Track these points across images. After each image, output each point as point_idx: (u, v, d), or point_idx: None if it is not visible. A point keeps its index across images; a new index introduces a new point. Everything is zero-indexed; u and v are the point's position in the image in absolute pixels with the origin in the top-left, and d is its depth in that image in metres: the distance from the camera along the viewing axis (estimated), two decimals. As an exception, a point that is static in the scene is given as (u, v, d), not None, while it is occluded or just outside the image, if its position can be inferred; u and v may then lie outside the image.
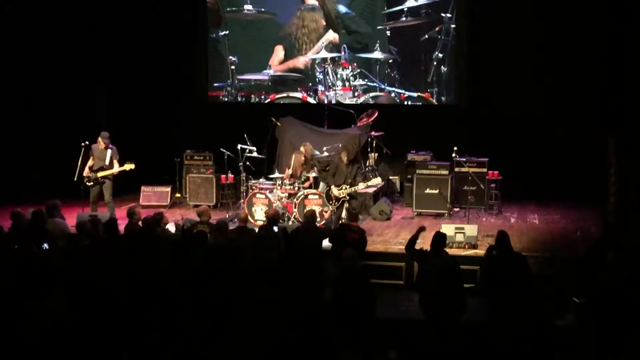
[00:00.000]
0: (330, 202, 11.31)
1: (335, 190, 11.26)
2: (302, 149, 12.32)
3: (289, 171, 12.46)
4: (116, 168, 11.87)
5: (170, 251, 8.63)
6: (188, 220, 10.60)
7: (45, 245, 8.43)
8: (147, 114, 15.53)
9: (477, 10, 14.05)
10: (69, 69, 14.55)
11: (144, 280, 7.68)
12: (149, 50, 15.34)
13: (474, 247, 10.36)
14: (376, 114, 13.52)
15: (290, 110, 13.93)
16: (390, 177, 14.02)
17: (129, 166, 11.92)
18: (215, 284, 7.55)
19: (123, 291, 7.52)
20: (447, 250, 10.04)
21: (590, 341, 7.26)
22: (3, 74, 13.97)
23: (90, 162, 11.95)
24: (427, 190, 12.80)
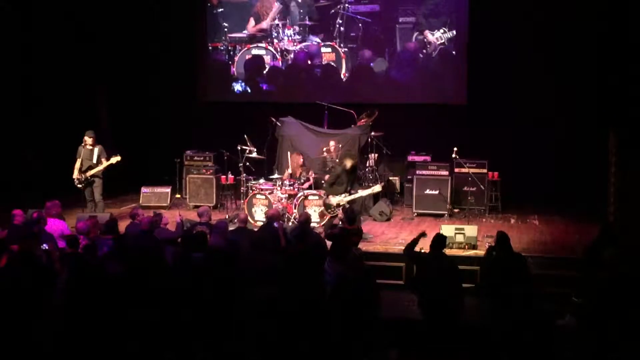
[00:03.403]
0: (330, 210, 11.04)
1: (333, 199, 10.99)
2: (293, 157, 12.42)
3: (288, 172, 12.48)
4: (105, 163, 11.90)
5: (169, 251, 8.64)
6: (188, 221, 10.60)
7: (45, 246, 8.42)
8: (147, 114, 15.54)
9: (478, 10, 14.09)
10: (69, 68, 14.54)
11: (144, 280, 7.67)
12: (148, 48, 15.37)
13: (474, 247, 10.36)
14: (376, 114, 13.53)
15: (290, 110, 13.95)
16: (390, 178, 14.02)
17: (115, 159, 11.95)
18: (214, 284, 7.55)
19: (122, 291, 7.51)
20: (447, 250, 10.06)
21: (590, 341, 7.25)
22: (3, 74, 13.97)
23: (77, 164, 11.96)
24: (427, 191, 12.81)
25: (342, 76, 15.11)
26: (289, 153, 12.84)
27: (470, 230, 10.57)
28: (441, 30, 14.48)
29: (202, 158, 14.05)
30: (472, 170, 12.71)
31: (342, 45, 14.99)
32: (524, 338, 7.09)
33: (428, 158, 13.49)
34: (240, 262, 8.32)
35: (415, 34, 14.69)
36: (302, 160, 12.58)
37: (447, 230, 10.38)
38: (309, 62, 15.22)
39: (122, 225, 10.12)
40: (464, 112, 14.16)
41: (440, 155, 13.18)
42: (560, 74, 13.60)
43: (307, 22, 15.11)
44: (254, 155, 12.83)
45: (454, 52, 14.49)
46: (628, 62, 11.13)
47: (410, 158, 13.72)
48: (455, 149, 12.17)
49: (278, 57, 15.33)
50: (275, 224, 9.54)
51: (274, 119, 13.45)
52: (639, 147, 10.75)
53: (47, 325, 7.21)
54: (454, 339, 7.66)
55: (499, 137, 13.68)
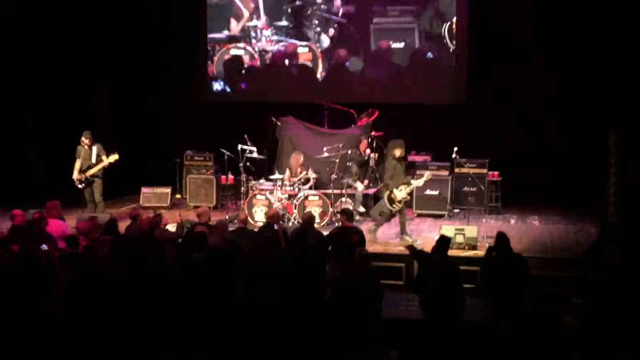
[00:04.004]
0: (393, 205, 10.87)
1: (397, 193, 10.83)
2: (294, 156, 12.46)
3: (288, 172, 12.47)
4: (104, 162, 11.92)
5: (169, 251, 8.63)
6: (188, 221, 10.59)
7: (44, 246, 8.41)
8: (147, 114, 15.52)
9: (477, 9, 14.08)
10: (69, 68, 14.53)
11: (144, 281, 7.67)
12: (148, 48, 15.36)
13: (474, 248, 10.35)
14: (376, 114, 13.53)
15: (290, 110, 13.95)
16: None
17: (113, 157, 11.97)
18: (214, 285, 7.55)
19: (122, 291, 7.51)
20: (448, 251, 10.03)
21: (590, 342, 7.25)
22: (3, 74, 13.96)
23: (77, 165, 11.99)
24: (427, 191, 12.80)
25: (318, 75, 15.38)
26: (289, 153, 12.85)
27: (470, 230, 10.56)
28: (449, 22, 14.62)
29: (202, 158, 14.03)
30: (472, 170, 12.71)
31: (318, 45, 15.37)
32: (523, 338, 7.10)
33: (428, 158, 13.48)
34: (240, 263, 8.32)
35: (446, 25, 14.58)
36: (302, 159, 12.56)
37: (447, 230, 10.37)
38: (286, 62, 15.58)
39: (122, 226, 10.11)
40: (464, 112, 14.15)
41: (440, 155, 13.17)
42: (560, 74, 13.59)
43: (284, 23, 15.48)
44: (254, 155, 12.82)
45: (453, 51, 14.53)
46: (628, 62, 11.13)
47: (410, 158, 13.68)
48: (455, 148, 12.16)
49: (256, 57, 15.70)
50: (275, 226, 9.53)
51: (274, 119, 13.44)
52: (639, 147, 10.75)
53: (47, 325, 7.21)
54: (455, 339, 7.66)
55: (499, 137, 13.66)
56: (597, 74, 12.59)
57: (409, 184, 10.93)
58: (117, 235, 9.42)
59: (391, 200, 10.86)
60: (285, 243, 9.32)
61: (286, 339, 6.98)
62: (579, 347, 7.24)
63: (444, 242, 8.38)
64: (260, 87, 15.66)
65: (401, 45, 14.92)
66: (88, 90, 14.99)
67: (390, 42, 14.98)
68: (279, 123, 13.45)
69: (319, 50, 15.32)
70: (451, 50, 14.56)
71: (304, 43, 15.39)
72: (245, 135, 12.83)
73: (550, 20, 13.63)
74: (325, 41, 15.28)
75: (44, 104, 14.54)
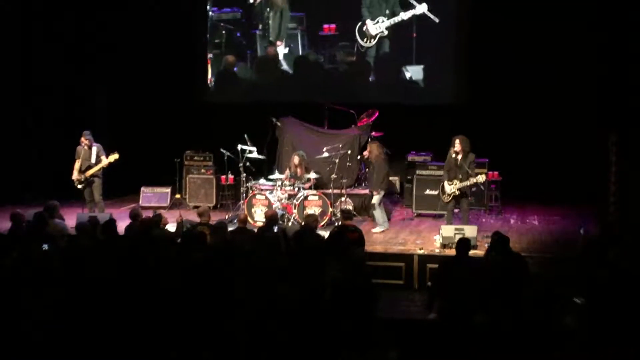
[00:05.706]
0: (443, 197, 11.18)
1: (447, 186, 11.05)
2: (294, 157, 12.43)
3: (288, 172, 12.46)
4: (104, 162, 11.91)
5: (169, 251, 8.63)
6: (188, 221, 10.59)
7: (45, 246, 8.41)
8: (147, 114, 15.52)
9: (478, 9, 14.08)
10: (69, 69, 14.54)
11: (143, 281, 7.67)
12: (148, 48, 15.36)
13: (474, 247, 10.34)
14: (376, 114, 13.53)
15: (291, 110, 13.95)
16: (390, 178, 13.98)
17: (113, 157, 11.96)
18: (214, 285, 7.54)
19: (122, 292, 7.51)
20: (447, 251, 10.05)
21: (590, 341, 7.25)
22: (3, 73, 13.96)
23: (77, 165, 11.98)
24: (427, 191, 12.79)
25: (208, 82, 15.59)
26: (289, 153, 12.84)
27: (470, 230, 10.54)
28: (381, 19, 14.61)
29: (202, 158, 14.03)
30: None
31: (207, 51, 15.55)
32: (523, 339, 7.09)
33: (428, 158, 13.47)
34: (239, 263, 8.32)
35: (363, 27, 14.73)
36: (298, 159, 12.49)
37: (447, 230, 10.37)
38: None
39: (122, 226, 10.11)
40: (464, 112, 14.14)
41: (440, 155, 13.16)
42: (560, 74, 13.59)
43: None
44: (254, 155, 12.81)
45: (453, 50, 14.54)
46: (628, 62, 11.15)
47: (410, 157, 13.71)
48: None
49: None
50: (275, 228, 9.53)
51: (274, 119, 13.44)
52: (639, 147, 10.76)
53: (48, 326, 7.20)
54: (456, 339, 7.64)
55: (499, 137, 13.66)
56: (597, 73, 12.60)
57: (461, 180, 11.02)
58: (117, 235, 9.42)
59: (442, 191, 11.18)
60: (285, 243, 9.32)
61: (286, 339, 6.98)
62: (579, 347, 7.24)
63: (464, 244, 8.27)
64: None
65: (286, 50, 15.21)
66: (88, 90, 14.99)
67: (276, 48, 15.28)
68: (278, 123, 13.45)
69: (209, 56, 15.51)
70: (364, 49, 14.78)
71: None
72: (245, 135, 12.83)
73: (551, 20, 13.63)
74: (214, 47, 15.51)
75: (44, 104, 14.54)
